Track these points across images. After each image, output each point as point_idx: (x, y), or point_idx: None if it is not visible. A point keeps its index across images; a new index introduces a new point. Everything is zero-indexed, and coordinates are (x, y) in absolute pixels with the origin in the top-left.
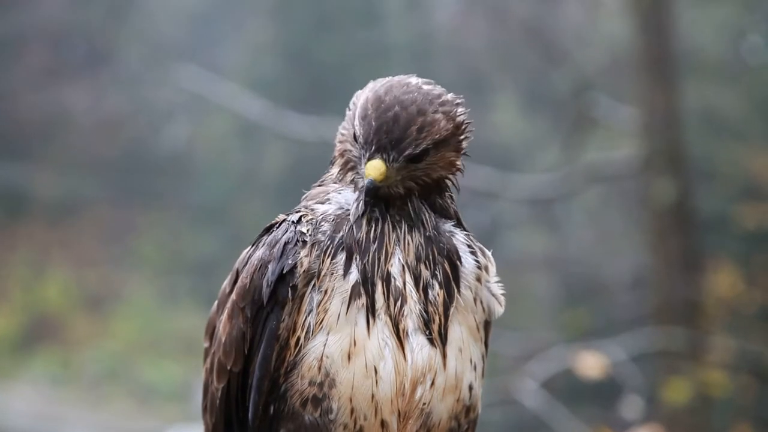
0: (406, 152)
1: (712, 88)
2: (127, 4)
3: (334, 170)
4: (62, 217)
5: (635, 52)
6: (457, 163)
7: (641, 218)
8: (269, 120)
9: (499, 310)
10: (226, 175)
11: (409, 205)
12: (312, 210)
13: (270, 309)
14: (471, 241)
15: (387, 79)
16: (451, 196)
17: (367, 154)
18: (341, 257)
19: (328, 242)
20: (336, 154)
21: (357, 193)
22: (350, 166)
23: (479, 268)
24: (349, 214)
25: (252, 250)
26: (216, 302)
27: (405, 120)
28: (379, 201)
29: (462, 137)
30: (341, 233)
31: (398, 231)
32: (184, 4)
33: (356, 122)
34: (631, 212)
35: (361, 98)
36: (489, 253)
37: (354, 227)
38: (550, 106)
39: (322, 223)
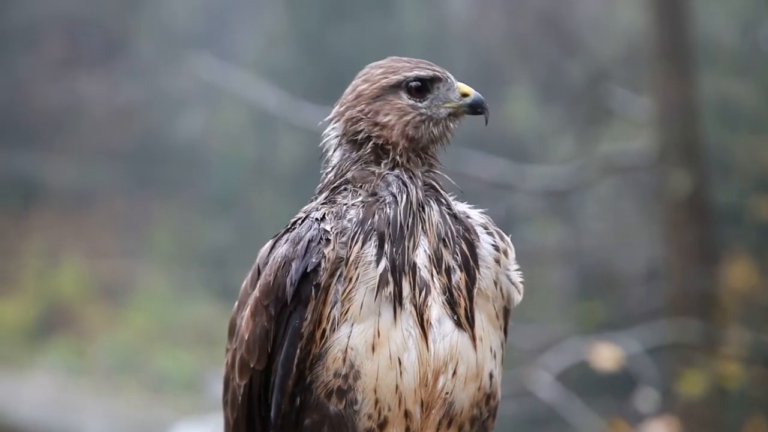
0: None
1: (728, 78)
2: None
3: (347, 166)
4: (76, 207)
5: (651, 42)
6: None
7: (656, 210)
8: (284, 110)
9: (517, 297)
10: (240, 165)
11: (429, 165)
12: (334, 201)
13: (293, 307)
14: (488, 222)
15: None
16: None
17: (451, 81)
18: (370, 244)
19: (357, 229)
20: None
21: (401, 180)
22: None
23: (497, 250)
24: (379, 201)
25: (273, 246)
26: (237, 302)
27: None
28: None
29: None
30: (372, 220)
31: (425, 212)
32: None
33: (417, 72)
34: (646, 204)
35: (393, 65)
36: (508, 238)
37: (389, 212)
38: (565, 97)
39: (349, 210)
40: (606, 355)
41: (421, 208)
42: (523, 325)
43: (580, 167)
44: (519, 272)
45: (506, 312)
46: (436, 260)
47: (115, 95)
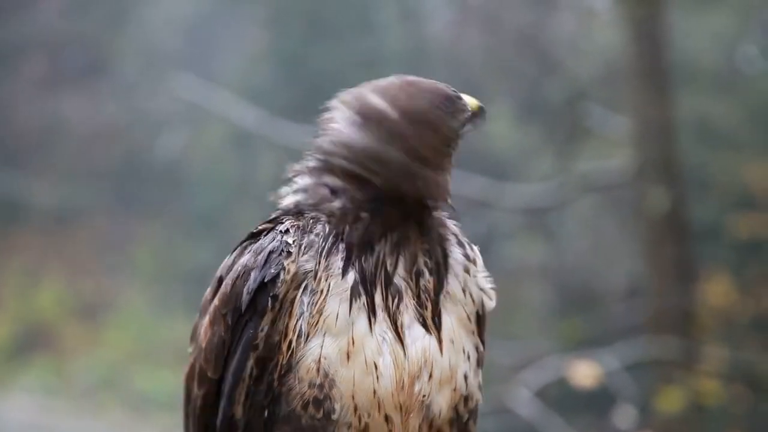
0: None
1: (707, 97)
2: (124, 14)
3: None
4: (57, 226)
5: (629, 61)
6: None
7: (635, 227)
8: (265, 129)
9: (490, 303)
10: (222, 184)
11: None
12: (301, 212)
13: (248, 317)
14: (458, 232)
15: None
16: None
17: (458, 95)
18: (338, 257)
19: (323, 243)
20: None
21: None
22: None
23: (468, 259)
24: (350, 213)
25: (237, 255)
26: (200, 309)
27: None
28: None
29: None
30: (340, 232)
31: (403, 230)
32: (180, 13)
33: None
34: (625, 221)
35: (386, 96)
36: (476, 248)
37: (359, 225)
38: (544, 116)
39: (316, 224)
40: (585, 372)
41: (402, 224)
42: (503, 341)
43: (560, 185)
44: (489, 278)
45: (479, 317)
46: (410, 268)
47: (96, 115)
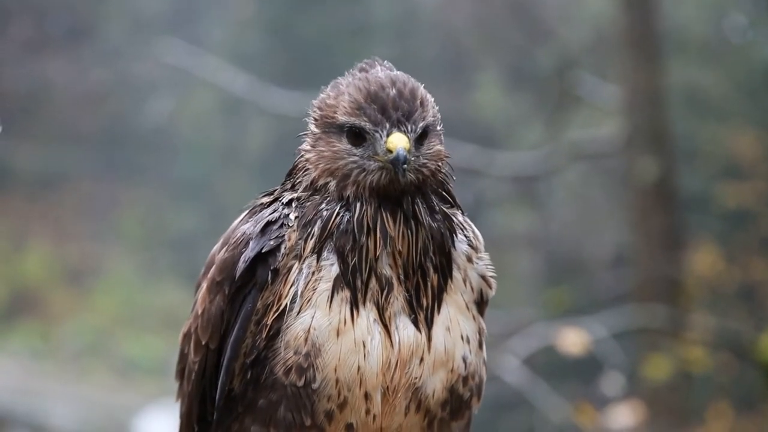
0: (420, 124)
1: (696, 66)
2: None
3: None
4: (43, 191)
5: (619, 30)
6: (444, 153)
7: (623, 196)
8: (252, 95)
9: (489, 292)
10: (209, 150)
11: (411, 199)
12: (305, 188)
13: (249, 291)
14: (466, 223)
15: (353, 76)
16: (448, 182)
17: (384, 131)
18: (324, 247)
19: (317, 228)
20: (309, 175)
21: (356, 197)
22: (343, 176)
23: (471, 247)
24: (336, 208)
25: (241, 222)
26: (205, 264)
27: (408, 93)
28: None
29: (440, 127)
30: (326, 223)
31: (391, 222)
32: None
33: (353, 119)
34: (613, 190)
35: (342, 101)
36: (479, 234)
37: (343, 218)
38: (533, 84)
39: (321, 203)
40: (572, 340)
41: (387, 216)
42: (491, 309)
43: (549, 153)
44: (490, 266)
45: (478, 304)
46: (404, 263)
47: (83, 79)
